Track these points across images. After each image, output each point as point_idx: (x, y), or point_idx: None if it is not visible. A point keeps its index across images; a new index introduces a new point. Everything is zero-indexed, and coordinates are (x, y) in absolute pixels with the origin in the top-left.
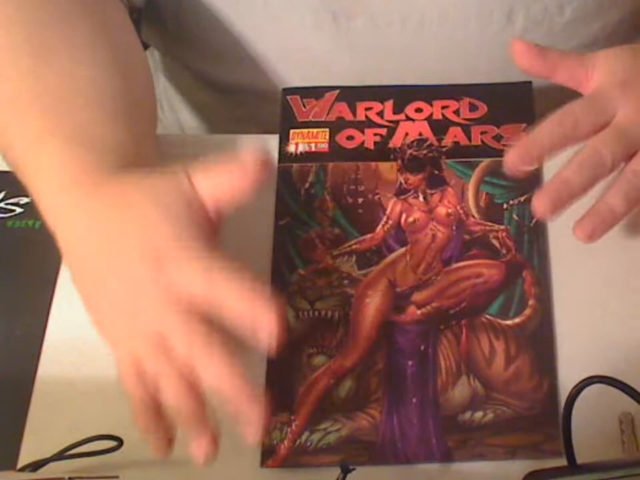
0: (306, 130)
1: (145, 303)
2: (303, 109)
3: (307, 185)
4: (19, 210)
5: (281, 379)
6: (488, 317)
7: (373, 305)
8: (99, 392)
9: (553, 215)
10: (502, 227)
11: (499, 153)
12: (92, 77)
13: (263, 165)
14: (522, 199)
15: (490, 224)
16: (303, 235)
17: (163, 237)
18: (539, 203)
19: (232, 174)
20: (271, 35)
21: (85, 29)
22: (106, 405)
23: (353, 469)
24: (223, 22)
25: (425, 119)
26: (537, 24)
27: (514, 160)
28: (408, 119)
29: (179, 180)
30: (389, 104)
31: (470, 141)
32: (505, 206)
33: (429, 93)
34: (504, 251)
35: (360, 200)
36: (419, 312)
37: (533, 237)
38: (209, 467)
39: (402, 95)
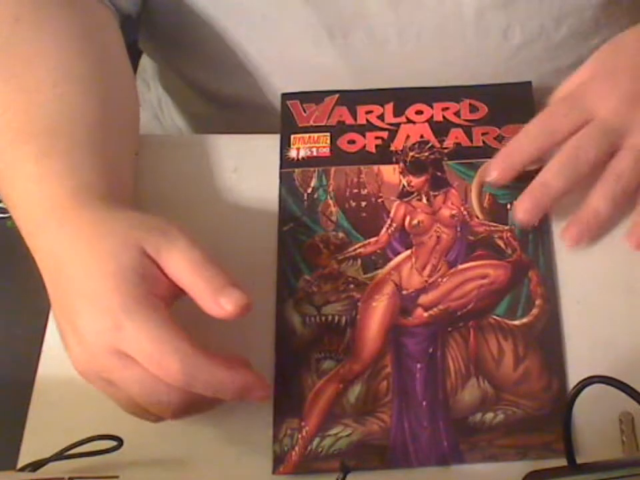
0: (307, 135)
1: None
2: (304, 113)
3: (310, 189)
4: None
5: (290, 385)
6: (495, 317)
7: (379, 308)
8: (99, 392)
9: (534, 218)
10: (506, 227)
11: None
12: (64, 98)
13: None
14: None
15: (494, 224)
16: (307, 240)
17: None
18: (520, 207)
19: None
20: (269, 47)
21: (68, 39)
22: (106, 405)
23: (353, 469)
24: (222, 34)
25: (426, 121)
26: (534, 40)
27: (495, 176)
28: (409, 121)
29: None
30: (389, 106)
31: (471, 142)
32: (508, 206)
33: (429, 94)
34: (509, 251)
35: (363, 203)
36: (425, 314)
37: (537, 236)
38: (218, 472)
39: (402, 98)
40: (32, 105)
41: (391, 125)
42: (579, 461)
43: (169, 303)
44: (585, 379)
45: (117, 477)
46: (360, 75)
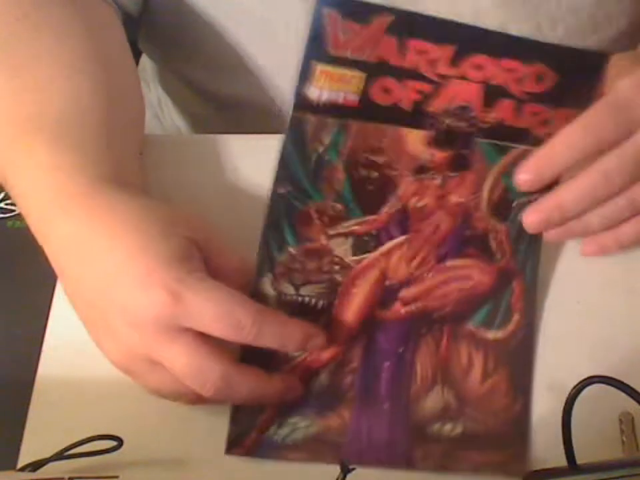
0: (338, 70)
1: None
2: (341, 36)
3: (322, 148)
4: (19, 210)
5: (256, 365)
6: (471, 326)
7: (359, 295)
8: (99, 392)
9: (541, 230)
10: (504, 228)
11: (538, 142)
12: (69, 91)
13: None
14: (533, 198)
15: (493, 222)
16: (301, 207)
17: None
18: (529, 220)
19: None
20: (268, 49)
21: (72, 36)
22: (106, 405)
23: (353, 469)
24: (222, 35)
25: (482, 82)
26: None
27: (525, 181)
28: (462, 77)
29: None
30: (449, 50)
31: (517, 121)
32: (514, 204)
33: (499, 44)
34: (499, 256)
35: (374, 174)
36: (403, 310)
37: (531, 242)
38: (218, 472)
39: (466, 41)
40: (42, 99)
41: (440, 76)
42: (579, 461)
43: None
44: (584, 379)
45: (116, 477)
46: None
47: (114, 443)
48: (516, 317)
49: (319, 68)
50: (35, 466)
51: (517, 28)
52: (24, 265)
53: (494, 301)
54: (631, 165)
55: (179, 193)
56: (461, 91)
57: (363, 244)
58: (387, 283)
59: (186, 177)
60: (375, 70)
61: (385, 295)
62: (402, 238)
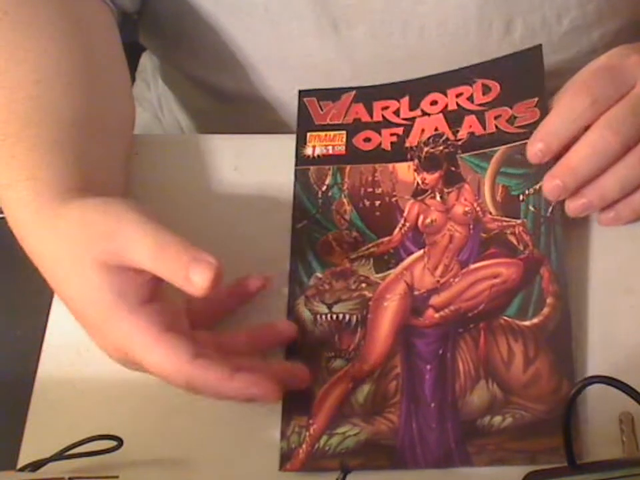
0: (323, 133)
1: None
2: (320, 111)
3: (324, 187)
4: None
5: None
6: (506, 318)
7: (391, 308)
8: (99, 392)
9: (561, 198)
10: (518, 222)
11: (513, 138)
12: (44, 95)
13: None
14: (537, 187)
15: (507, 220)
16: (321, 238)
17: None
18: (547, 188)
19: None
20: (271, 42)
21: (52, 36)
22: (106, 405)
23: (353, 469)
24: (223, 29)
25: (441, 112)
26: (536, 34)
27: (535, 156)
28: (424, 114)
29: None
30: (405, 100)
31: (485, 129)
32: (521, 197)
33: (443, 81)
34: (521, 247)
35: (377, 203)
36: (437, 315)
37: (550, 228)
38: (219, 471)
39: (417, 89)
40: (12, 102)
41: (406, 119)
42: (579, 460)
43: (152, 287)
44: (584, 379)
45: (116, 477)
46: (362, 71)
47: (114, 443)
48: (550, 300)
49: (309, 134)
50: (35, 466)
51: (523, 23)
52: (24, 265)
53: (526, 290)
54: (633, 114)
55: (178, 192)
56: (427, 124)
57: (384, 263)
58: (416, 293)
59: (186, 176)
60: (353, 128)
61: (416, 304)
62: (421, 251)
